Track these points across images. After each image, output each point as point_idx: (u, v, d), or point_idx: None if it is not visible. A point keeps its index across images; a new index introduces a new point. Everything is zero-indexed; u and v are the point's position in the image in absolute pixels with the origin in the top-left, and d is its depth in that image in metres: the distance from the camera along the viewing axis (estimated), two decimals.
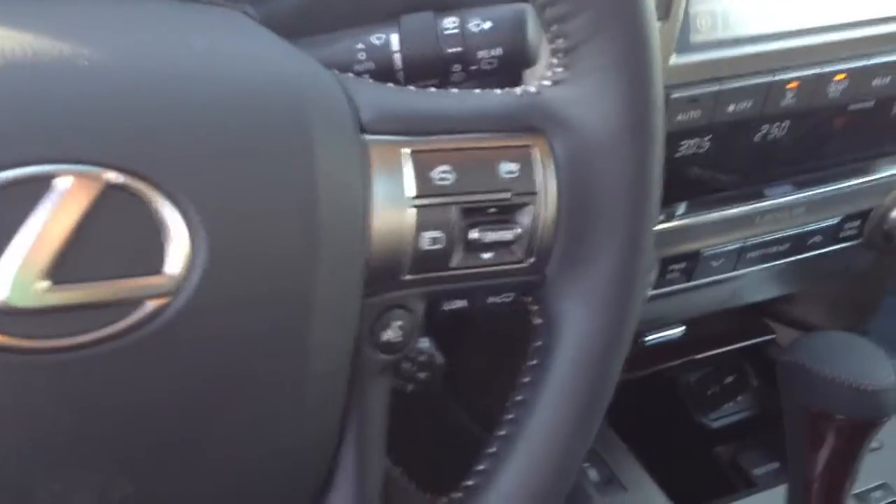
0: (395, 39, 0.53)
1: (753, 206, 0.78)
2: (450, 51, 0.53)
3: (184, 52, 0.39)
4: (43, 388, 0.35)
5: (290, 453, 0.42)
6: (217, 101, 0.38)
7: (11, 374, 0.35)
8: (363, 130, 0.42)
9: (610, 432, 0.90)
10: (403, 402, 0.53)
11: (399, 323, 0.44)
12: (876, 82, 0.73)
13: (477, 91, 0.47)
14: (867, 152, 0.80)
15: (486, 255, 0.45)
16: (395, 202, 0.42)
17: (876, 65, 0.72)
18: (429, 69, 0.53)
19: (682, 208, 0.75)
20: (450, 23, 0.53)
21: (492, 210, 0.45)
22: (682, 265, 0.77)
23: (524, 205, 0.45)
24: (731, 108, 0.69)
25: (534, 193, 0.45)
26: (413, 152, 0.43)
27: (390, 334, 0.44)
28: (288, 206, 0.39)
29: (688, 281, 0.79)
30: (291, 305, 0.39)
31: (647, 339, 0.92)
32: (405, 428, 0.51)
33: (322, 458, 0.44)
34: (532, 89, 0.46)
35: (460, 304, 0.47)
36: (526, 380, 0.48)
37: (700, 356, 0.97)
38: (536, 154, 0.45)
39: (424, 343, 0.51)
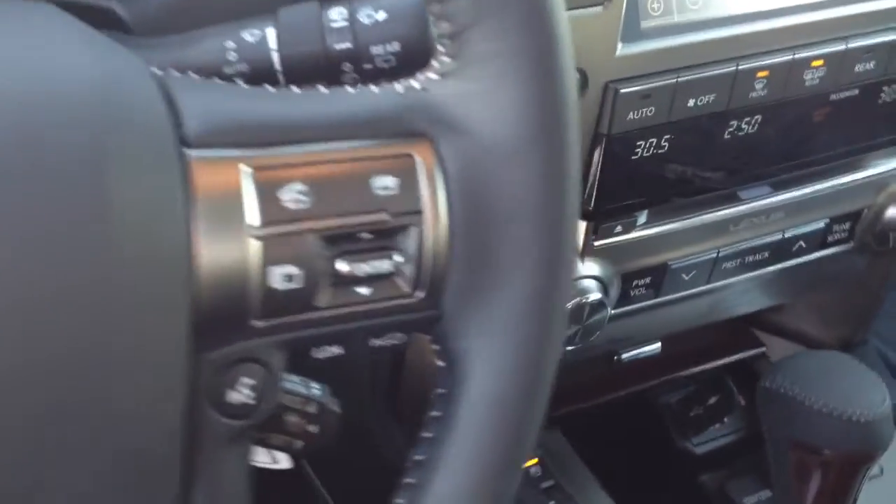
0: (272, 35, 0.45)
1: (726, 211, 0.69)
2: (338, 47, 0.45)
3: None
4: None
5: None
6: (16, 129, 0.30)
7: None
8: (186, 144, 0.34)
9: (578, 464, 0.81)
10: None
11: (250, 381, 0.36)
12: (858, 68, 0.64)
13: (349, 89, 0.38)
14: (854, 146, 0.71)
15: (363, 291, 0.37)
16: (231, 233, 0.34)
17: (857, 48, 0.63)
18: (314, 70, 0.44)
19: (643, 217, 0.66)
20: (337, 14, 0.45)
21: (364, 236, 0.36)
22: (648, 280, 0.69)
23: (406, 227, 0.37)
24: (691, 102, 0.60)
25: (418, 213, 0.37)
26: (255, 169, 0.34)
27: (239, 395, 0.36)
28: (73, 242, 0.31)
29: (656, 297, 0.71)
30: (86, 368, 0.31)
31: (622, 356, 0.84)
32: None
33: None
34: (417, 85, 0.38)
35: (335, 350, 0.38)
36: (427, 435, 0.40)
37: (681, 374, 0.89)
38: (421, 164, 0.37)
39: (315, 389, 0.43)
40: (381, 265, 0.36)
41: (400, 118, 0.37)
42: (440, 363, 0.40)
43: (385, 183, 0.36)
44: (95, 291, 0.31)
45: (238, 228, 0.34)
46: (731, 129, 0.64)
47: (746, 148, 0.65)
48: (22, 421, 0.31)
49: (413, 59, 0.45)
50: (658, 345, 0.84)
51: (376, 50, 0.45)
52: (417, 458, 0.40)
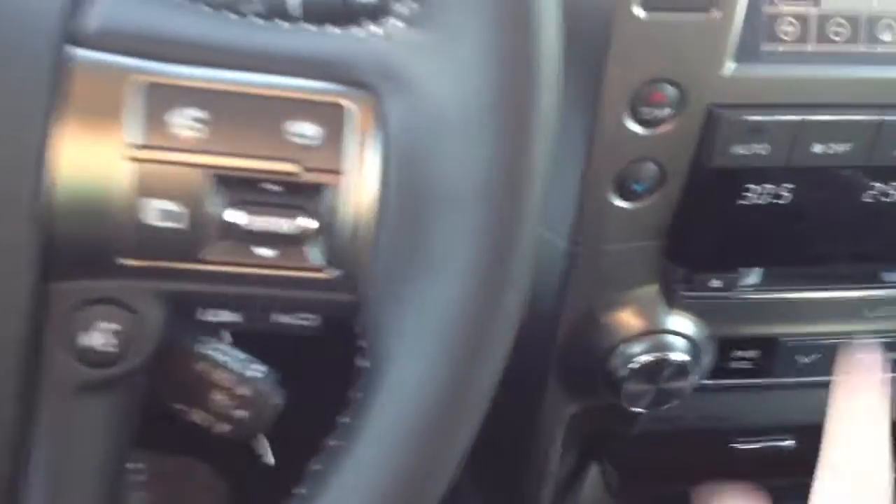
0: None
1: (862, 292, 0.58)
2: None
3: None
4: None
5: None
6: None
7: None
8: (75, 41, 0.30)
9: None
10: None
11: (109, 325, 0.32)
12: None
13: (307, 26, 0.33)
14: None
15: (263, 252, 0.32)
16: (100, 148, 0.30)
17: None
18: (330, 15, 0.40)
19: (754, 277, 0.57)
20: None
21: (270, 187, 0.31)
22: (753, 353, 0.59)
23: (321, 186, 0.31)
24: (817, 148, 0.51)
25: (338, 173, 0.31)
26: (150, 84, 0.30)
27: (96, 339, 0.32)
28: None
29: (762, 376, 0.60)
30: None
31: (738, 445, 0.73)
32: None
33: None
34: (379, 31, 0.33)
35: (230, 316, 0.33)
36: (332, 442, 0.34)
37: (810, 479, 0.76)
38: (354, 118, 0.31)
39: (256, 372, 0.38)
40: (283, 224, 0.31)
41: (341, 63, 0.32)
42: (362, 362, 0.35)
43: (303, 130, 0.31)
44: None
45: (112, 146, 0.30)
46: (872, 192, 0.53)
47: (894, 219, 0.55)
48: None
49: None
50: (792, 442, 0.73)
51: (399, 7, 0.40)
52: (315, 466, 0.34)
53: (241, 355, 0.39)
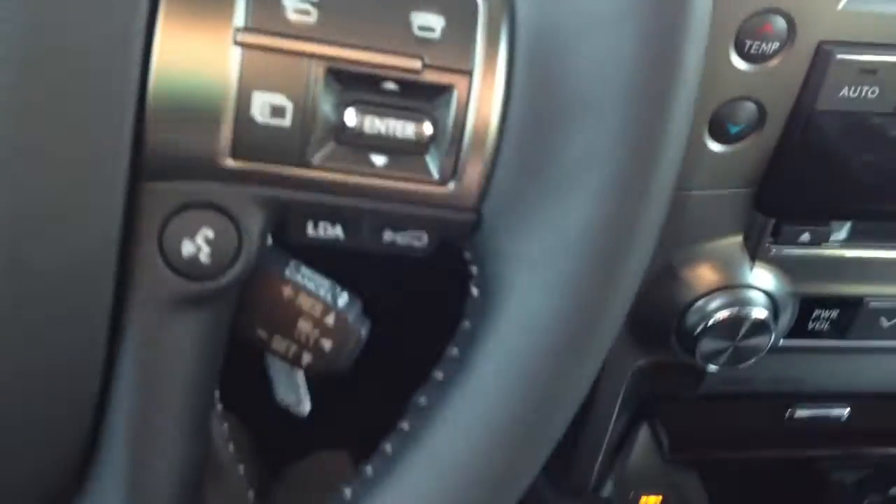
0: None
1: None
2: None
3: None
4: None
5: (15, 399, 0.28)
6: None
7: None
8: None
9: None
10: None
11: (207, 233, 0.28)
12: None
13: None
14: None
15: (377, 160, 0.28)
16: (207, 30, 0.26)
17: None
18: None
19: (843, 231, 0.54)
20: None
21: (389, 86, 0.28)
22: (834, 313, 0.56)
23: (446, 88, 0.28)
24: None
25: (465, 72, 0.28)
26: None
27: (189, 247, 0.28)
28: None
29: (840, 337, 0.57)
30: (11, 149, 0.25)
31: (797, 413, 0.70)
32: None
33: (72, 416, 0.29)
34: None
35: (334, 231, 0.30)
36: (439, 376, 0.31)
37: (865, 450, 0.74)
38: (480, 10, 0.28)
39: (341, 299, 0.35)
40: (403, 128, 0.28)
41: None
42: (473, 290, 0.31)
43: (428, 22, 0.28)
44: (24, 49, 0.24)
45: (217, 27, 0.26)
46: None
47: None
48: None
49: None
50: (846, 410, 0.70)
51: None
52: (419, 400, 0.31)
53: (329, 282, 0.36)
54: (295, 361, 0.36)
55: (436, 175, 0.29)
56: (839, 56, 0.46)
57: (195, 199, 0.28)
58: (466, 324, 0.31)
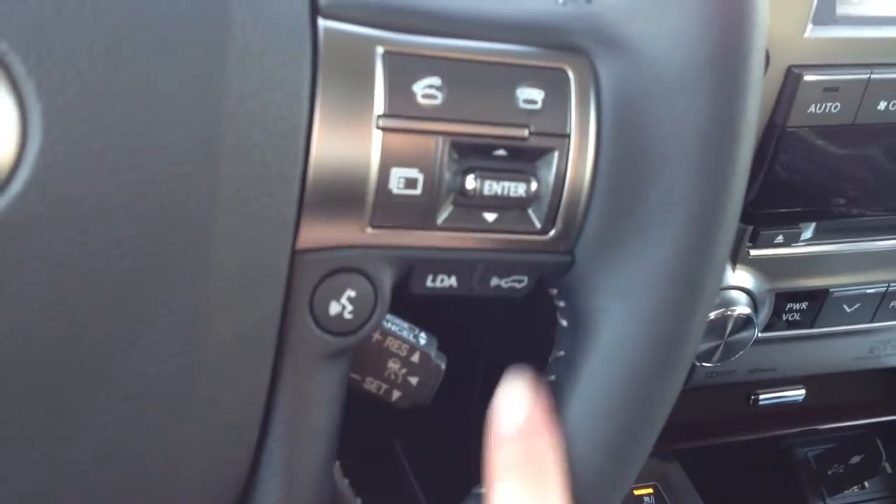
0: None
1: None
2: None
3: None
4: None
5: (186, 446, 0.31)
6: None
7: None
8: (317, 12, 0.30)
9: (696, 501, 0.74)
10: (384, 411, 0.40)
11: (352, 293, 0.32)
12: None
13: None
14: None
15: (489, 217, 0.32)
16: (353, 119, 0.30)
17: None
18: None
19: (809, 231, 0.60)
20: None
21: (499, 152, 0.32)
22: (804, 305, 0.62)
23: (547, 151, 0.32)
24: (881, 105, 0.54)
25: (563, 136, 0.32)
26: (387, 53, 0.30)
27: (335, 307, 0.32)
28: (182, 96, 0.27)
29: (810, 326, 0.64)
30: (178, 234, 0.28)
31: (760, 398, 0.76)
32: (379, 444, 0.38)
33: (232, 462, 0.32)
34: None
35: (449, 281, 0.34)
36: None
37: (824, 427, 0.80)
38: (572, 82, 0.32)
39: (422, 339, 0.38)
40: (514, 189, 0.32)
41: (558, 28, 0.33)
42: (562, 322, 0.35)
43: (530, 95, 0.32)
44: (204, 148, 0.27)
45: (362, 115, 0.30)
46: None
47: None
48: (100, 272, 0.28)
49: None
50: (802, 391, 0.77)
51: None
52: None
53: (407, 324, 0.40)
54: (385, 398, 0.39)
55: (538, 225, 0.33)
56: (806, 77, 0.51)
57: (339, 265, 0.31)
58: (561, 353, 0.35)
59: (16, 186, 0.26)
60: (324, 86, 0.29)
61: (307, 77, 0.29)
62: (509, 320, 0.62)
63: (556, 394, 0.34)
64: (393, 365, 0.39)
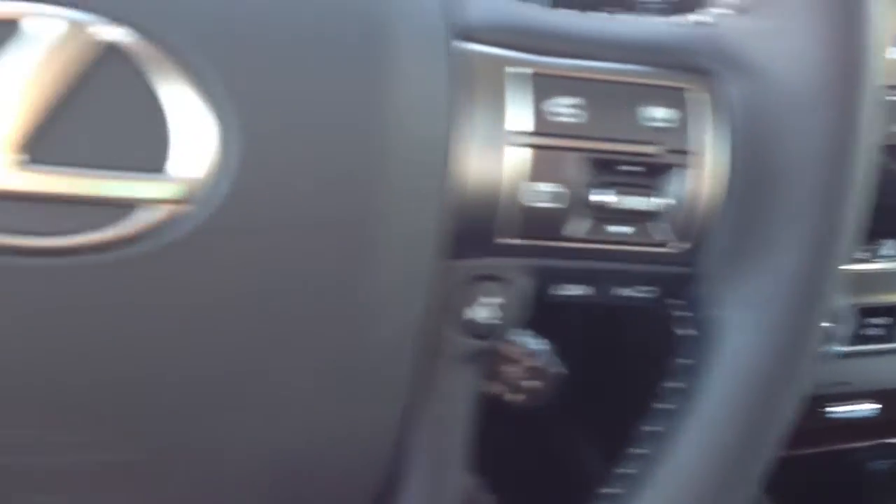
0: None
1: None
2: None
3: None
4: (7, 297, 0.27)
5: (335, 440, 0.33)
6: None
7: None
8: (465, 37, 0.32)
9: None
10: (502, 413, 0.42)
11: (492, 300, 0.34)
12: None
13: (622, 16, 0.36)
14: None
15: (618, 230, 0.34)
16: (499, 136, 0.32)
17: None
18: (578, 5, 0.43)
19: (891, 247, 0.61)
20: None
21: (630, 169, 0.34)
22: (886, 320, 0.63)
23: (676, 167, 0.34)
24: None
25: (693, 153, 0.34)
26: (534, 74, 0.33)
27: (479, 312, 0.34)
28: (350, 116, 0.30)
29: (891, 341, 0.65)
30: (342, 241, 0.30)
31: (828, 411, 0.77)
32: (501, 446, 0.40)
33: (375, 457, 0.34)
34: (707, 19, 0.36)
35: (579, 290, 0.36)
36: (666, 406, 0.37)
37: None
38: (700, 102, 0.34)
39: (539, 345, 0.40)
40: (644, 203, 0.34)
41: (685, 50, 0.35)
42: (688, 331, 0.37)
43: (661, 114, 0.34)
44: (364, 162, 0.30)
45: (507, 133, 0.32)
46: None
47: None
48: (255, 294, 0.30)
49: (685, 8, 0.43)
50: (877, 406, 0.77)
51: None
52: (651, 429, 0.37)
53: (524, 330, 0.42)
54: (507, 400, 0.41)
55: (669, 238, 0.35)
56: (888, 97, 0.53)
57: (481, 273, 0.34)
58: (685, 361, 0.37)
59: (216, 200, 0.28)
60: (464, 102, 0.32)
61: (451, 98, 0.31)
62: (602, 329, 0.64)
63: (684, 399, 0.36)
64: (512, 369, 0.41)
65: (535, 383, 0.41)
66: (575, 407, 0.50)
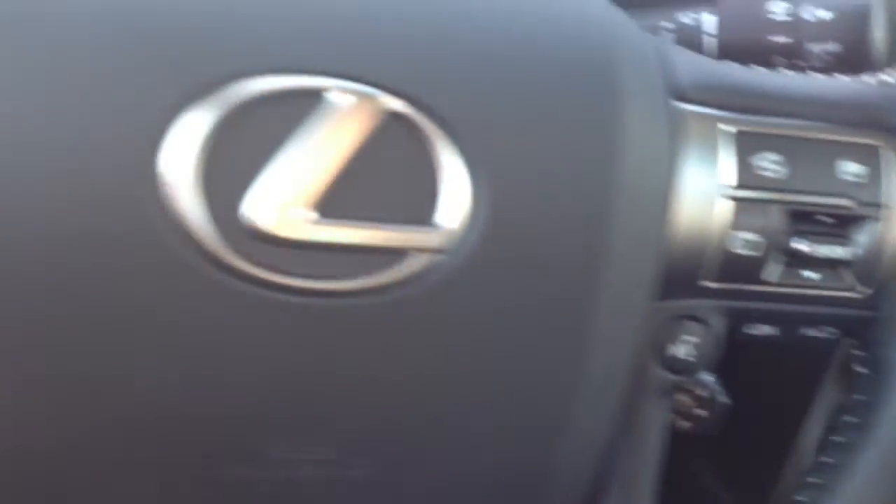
0: (708, 20, 0.46)
1: None
2: (775, 40, 0.45)
3: None
4: (288, 332, 0.30)
5: (540, 467, 0.35)
6: (519, 39, 0.32)
7: (260, 310, 0.29)
8: (679, 97, 0.35)
9: None
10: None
11: (691, 338, 0.36)
12: None
13: (815, 75, 0.39)
14: None
15: (809, 275, 0.37)
16: (707, 189, 0.35)
17: None
18: (745, 57, 0.45)
19: None
20: (779, 8, 0.45)
21: (824, 219, 0.36)
22: None
23: (866, 219, 0.36)
24: None
25: (881, 206, 0.36)
26: (739, 132, 0.35)
27: (679, 350, 0.36)
28: (583, 169, 0.32)
29: None
30: (572, 285, 0.32)
31: None
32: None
33: (574, 486, 0.37)
34: (890, 80, 0.38)
35: (767, 330, 0.38)
36: (839, 439, 0.39)
37: None
38: (888, 158, 0.37)
39: (707, 376, 0.43)
40: (835, 251, 0.36)
41: (872, 109, 0.37)
42: (862, 369, 0.40)
43: (853, 170, 0.36)
44: (595, 212, 0.32)
45: (714, 186, 0.35)
46: None
47: None
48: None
49: (850, 63, 0.45)
50: None
51: (814, 48, 0.45)
52: (825, 460, 0.39)
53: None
54: (677, 427, 0.44)
55: (855, 285, 0.37)
56: None
57: (685, 312, 0.36)
58: (861, 397, 0.39)
59: (467, 248, 0.31)
60: (685, 160, 0.34)
61: (669, 154, 0.34)
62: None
63: (859, 433, 0.39)
64: (682, 398, 0.43)
65: (703, 412, 0.44)
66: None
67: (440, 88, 0.30)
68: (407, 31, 0.31)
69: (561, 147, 0.32)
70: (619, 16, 0.36)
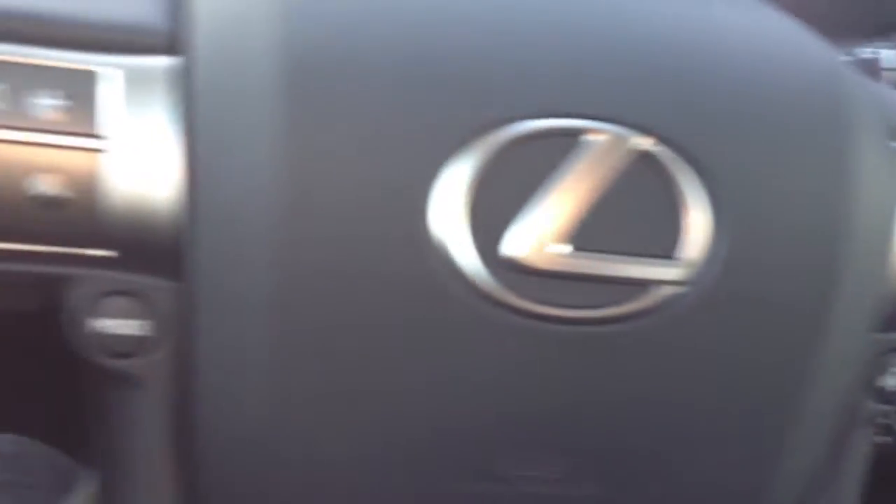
0: (888, 56, 0.47)
1: None
2: None
3: (733, 35, 0.35)
4: (536, 358, 0.32)
5: (760, 489, 0.37)
6: (758, 81, 0.34)
7: (516, 335, 0.32)
8: (893, 138, 0.37)
9: None
10: None
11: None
12: None
13: None
14: None
15: None
16: None
17: None
18: None
19: None
20: None
21: None
22: None
23: None
24: None
25: None
26: None
27: (889, 381, 0.38)
28: (819, 207, 0.34)
29: None
30: (803, 320, 0.34)
31: None
32: None
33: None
34: None
35: None
36: None
37: None
38: None
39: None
40: None
41: None
42: None
43: None
44: (829, 248, 0.34)
45: None
46: None
47: None
48: None
49: None
50: None
51: None
52: None
53: None
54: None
55: None
56: None
57: (893, 345, 0.38)
58: None
59: (707, 279, 0.33)
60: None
61: (891, 192, 0.35)
62: None
63: None
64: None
65: (888, 439, 0.45)
66: None
67: (690, 128, 0.32)
68: (654, 74, 0.33)
69: (799, 185, 0.34)
70: (836, 55, 0.38)
